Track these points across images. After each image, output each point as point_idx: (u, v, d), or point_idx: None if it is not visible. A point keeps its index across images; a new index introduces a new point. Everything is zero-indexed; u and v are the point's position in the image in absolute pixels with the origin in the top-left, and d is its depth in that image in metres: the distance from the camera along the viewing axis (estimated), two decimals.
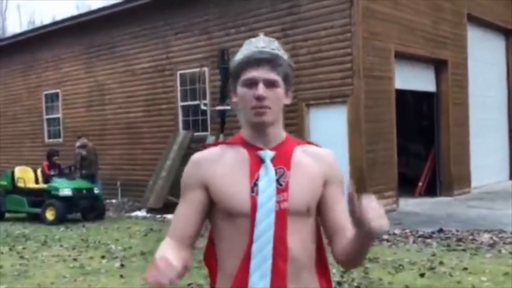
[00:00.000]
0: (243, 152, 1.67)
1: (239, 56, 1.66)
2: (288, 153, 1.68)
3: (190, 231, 1.68)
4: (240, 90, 1.65)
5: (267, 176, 1.62)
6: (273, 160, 1.65)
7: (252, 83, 1.62)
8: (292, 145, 1.71)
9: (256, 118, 1.62)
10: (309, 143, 1.79)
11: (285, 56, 1.67)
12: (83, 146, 12.10)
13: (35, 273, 6.66)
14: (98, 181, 12.01)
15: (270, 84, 1.62)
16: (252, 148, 1.67)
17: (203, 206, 1.67)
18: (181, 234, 1.67)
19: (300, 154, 1.70)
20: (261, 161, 1.65)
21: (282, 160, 1.66)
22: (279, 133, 1.70)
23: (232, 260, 1.62)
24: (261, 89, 1.60)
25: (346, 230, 1.66)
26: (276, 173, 1.63)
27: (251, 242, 1.58)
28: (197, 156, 1.72)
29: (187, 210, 1.68)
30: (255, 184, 1.61)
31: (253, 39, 1.68)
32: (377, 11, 10.31)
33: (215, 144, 1.77)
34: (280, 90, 1.64)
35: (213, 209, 1.67)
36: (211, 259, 1.74)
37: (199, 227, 1.69)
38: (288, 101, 1.69)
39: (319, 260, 1.72)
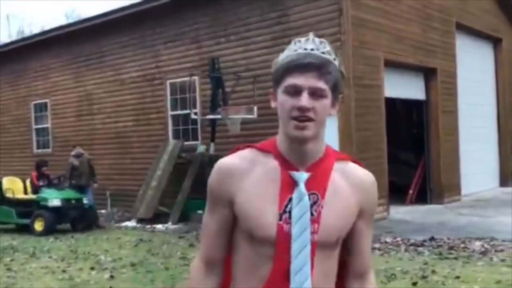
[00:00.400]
0: (274, 168, 1.49)
1: (283, 57, 1.48)
2: (325, 175, 1.50)
3: (220, 253, 1.58)
4: (281, 97, 1.46)
5: (301, 203, 1.46)
6: (307, 182, 1.48)
7: (295, 92, 1.43)
8: (331, 163, 1.53)
9: (296, 131, 1.44)
10: (351, 160, 1.61)
11: (336, 61, 1.48)
12: (76, 156, 11.81)
13: (23, 285, 6.55)
14: (89, 192, 11.83)
15: (316, 93, 1.43)
16: (286, 164, 1.49)
17: (230, 222, 1.55)
18: (212, 258, 1.58)
19: (337, 176, 1.52)
20: (294, 183, 1.47)
21: (317, 184, 1.48)
22: (319, 148, 1.51)
23: (251, 281, 1.50)
24: (305, 100, 1.41)
25: (365, 276, 1.61)
26: (309, 199, 1.47)
27: (275, 270, 1.46)
28: (225, 163, 1.54)
29: (216, 228, 1.56)
30: (285, 211, 1.46)
31: (301, 39, 1.49)
32: (366, 20, 10.34)
33: (243, 147, 1.59)
34: (327, 101, 1.45)
35: (236, 224, 1.54)
36: (225, 271, 1.62)
37: (228, 245, 1.59)
38: (334, 111, 1.50)
39: (339, 285, 1.62)
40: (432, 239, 8.25)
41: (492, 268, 6.46)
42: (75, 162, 11.71)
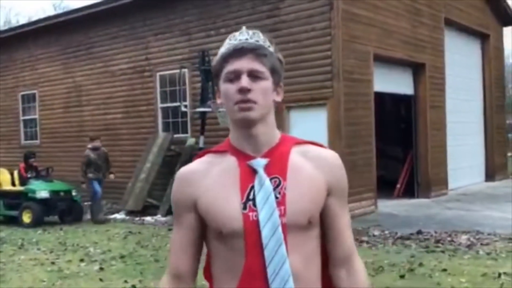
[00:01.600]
0: (232, 162, 1.50)
1: (220, 52, 1.51)
2: (283, 158, 1.50)
3: (188, 266, 1.56)
4: (223, 86, 1.49)
5: (263, 189, 1.45)
6: (266, 168, 1.47)
7: (235, 77, 1.46)
8: (288, 147, 1.53)
9: (240, 113, 1.45)
10: (312, 143, 1.59)
11: (271, 48, 1.51)
12: (93, 149, 11.31)
13: (12, 277, 6.55)
14: (100, 186, 11.39)
15: (255, 75, 1.46)
16: (241, 156, 1.50)
17: (199, 230, 1.54)
18: (180, 270, 1.56)
19: (298, 157, 1.52)
20: (253, 171, 1.48)
21: (277, 168, 1.48)
22: (271, 134, 1.51)
23: (228, 281, 1.48)
24: (244, 81, 1.44)
25: (350, 262, 1.56)
26: (271, 183, 1.46)
27: (248, 261, 1.44)
28: (183, 172, 1.56)
29: (183, 239, 1.55)
30: (248, 199, 1.45)
31: (235, 33, 1.53)
32: (356, 15, 10.38)
33: (202, 154, 1.60)
34: (267, 83, 1.48)
35: (206, 227, 1.53)
36: (209, 274, 1.59)
37: (198, 256, 1.57)
38: (278, 98, 1.53)
39: (326, 273, 1.57)
40: (419, 232, 8.34)
41: (478, 261, 6.56)
42: (92, 155, 11.22)
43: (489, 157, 15.49)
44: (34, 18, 16.36)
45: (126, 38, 13.24)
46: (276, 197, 1.45)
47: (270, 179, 1.47)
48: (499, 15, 15.98)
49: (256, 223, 1.44)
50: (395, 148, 14.34)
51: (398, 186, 12.90)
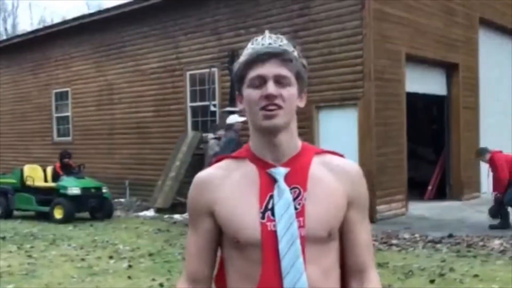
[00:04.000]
0: (251, 169, 1.47)
1: (243, 56, 1.47)
2: (304, 168, 1.46)
3: (204, 271, 1.54)
4: (247, 92, 1.44)
5: (282, 199, 1.41)
6: (286, 177, 1.44)
7: (260, 83, 1.42)
8: (309, 157, 1.49)
9: (266, 121, 1.41)
10: (332, 153, 1.55)
11: (295, 53, 1.47)
12: (217, 138, 9.96)
13: (43, 272, 6.65)
14: None
15: (282, 81, 1.42)
16: (261, 164, 1.46)
17: (214, 236, 1.52)
18: (196, 275, 1.55)
19: (319, 168, 1.48)
20: (273, 180, 1.44)
21: (298, 178, 1.45)
22: (293, 142, 1.48)
23: None
24: (271, 87, 1.40)
25: (363, 274, 1.52)
26: (290, 193, 1.43)
27: (265, 272, 1.40)
28: (200, 176, 1.54)
29: (198, 244, 1.53)
30: (266, 209, 1.42)
31: (258, 37, 1.49)
32: (388, 14, 10.24)
33: (220, 159, 1.57)
34: (293, 89, 1.44)
35: (222, 235, 1.50)
36: (221, 281, 1.55)
37: (213, 261, 1.55)
38: (302, 104, 1.49)
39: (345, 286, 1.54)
40: (450, 236, 8.20)
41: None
42: (217, 148, 9.93)
43: None
44: (68, 17, 16.57)
45: (157, 37, 13.34)
46: (296, 208, 1.42)
47: (290, 189, 1.43)
48: None
49: (274, 233, 1.40)
50: (426, 149, 14.11)
51: (430, 188, 12.68)
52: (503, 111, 14.45)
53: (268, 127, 1.42)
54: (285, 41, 1.48)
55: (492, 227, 8.78)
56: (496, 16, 13.60)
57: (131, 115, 14.05)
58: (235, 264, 1.47)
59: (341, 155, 1.55)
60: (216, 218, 1.47)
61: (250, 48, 1.47)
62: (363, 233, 1.52)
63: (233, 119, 9.20)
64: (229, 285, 1.50)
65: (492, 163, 9.07)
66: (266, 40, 1.46)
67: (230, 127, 9.17)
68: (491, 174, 9.25)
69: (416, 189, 12.06)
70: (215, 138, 9.95)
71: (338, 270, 1.51)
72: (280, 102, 1.41)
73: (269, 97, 1.40)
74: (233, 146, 8.15)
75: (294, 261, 1.39)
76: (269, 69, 1.42)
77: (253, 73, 1.43)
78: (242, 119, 8.95)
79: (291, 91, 1.44)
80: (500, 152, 9.34)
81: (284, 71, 1.42)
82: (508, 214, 8.91)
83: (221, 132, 9.78)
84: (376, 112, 9.91)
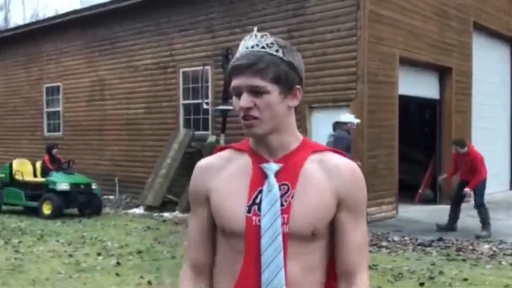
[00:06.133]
0: (247, 162, 1.51)
1: (232, 60, 1.52)
2: (297, 165, 1.48)
3: (204, 257, 1.59)
4: (233, 99, 1.51)
5: (270, 194, 1.44)
6: (278, 174, 1.46)
7: (238, 93, 1.46)
8: (305, 154, 1.50)
9: (246, 130, 1.48)
10: (333, 151, 1.55)
11: (278, 53, 1.45)
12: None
13: (30, 268, 6.58)
14: None
15: (256, 91, 1.43)
16: (257, 158, 1.50)
17: (211, 222, 1.55)
18: (197, 262, 1.60)
19: (312, 166, 1.48)
20: (265, 175, 1.47)
21: (289, 174, 1.46)
22: (287, 139, 1.49)
23: (225, 281, 1.50)
24: (243, 100, 1.44)
25: (352, 277, 1.49)
26: (279, 189, 1.45)
27: (245, 265, 1.44)
28: (201, 163, 1.59)
29: (199, 230, 1.58)
30: (254, 203, 1.45)
31: (246, 37, 1.50)
32: (383, 16, 10.24)
33: (224, 148, 1.62)
34: (270, 96, 1.43)
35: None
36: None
37: (213, 247, 1.58)
38: (294, 102, 1.49)
39: (331, 286, 1.53)
40: (440, 239, 8.20)
41: (501, 272, 6.40)
42: None
43: None
44: (61, 12, 16.44)
45: (150, 34, 13.27)
46: (282, 205, 1.44)
47: (279, 186, 1.45)
48: None
49: (258, 228, 1.43)
50: (418, 152, 14.13)
51: (420, 191, 12.70)
52: (496, 116, 14.51)
53: (249, 135, 1.50)
54: (269, 40, 1.46)
55: (440, 228, 8.91)
56: (490, 21, 13.65)
57: (122, 111, 13.96)
58: (222, 251, 1.52)
59: (343, 154, 1.54)
60: (211, 207, 1.52)
61: (238, 51, 1.50)
62: (354, 235, 1.49)
63: (347, 118, 8.91)
64: (215, 272, 1.57)
65: (473, 157, 8.90)
66: (250, 42, 1.47)
67: (341, 125, 8.87)
68: (463, 167, 9.01)
69: (407, 192, 12.06)
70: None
71: (323, 269, 1.50)
72: (255, 113, 1.44)
73: (243, 109, 1.45)
74: (343, 144, 7.97)
75: (274, 256, 1.41)
76: (243, 80, 1.44)
77: (233, 83, 1.47)
78: (357, 121, 8.88)
79: (266, 99, 1.44)
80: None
81: (256, 81, 1.43)
82: (458, 217, 9.02)
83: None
84: (369, 114, 9.90)
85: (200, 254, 1.58)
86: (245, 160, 1.52)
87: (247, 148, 1.55)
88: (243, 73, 1.44)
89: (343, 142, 8.29)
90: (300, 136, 1.54)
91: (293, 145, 1.50)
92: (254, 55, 1.44)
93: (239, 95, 1.46)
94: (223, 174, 1.52)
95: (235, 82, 1.46)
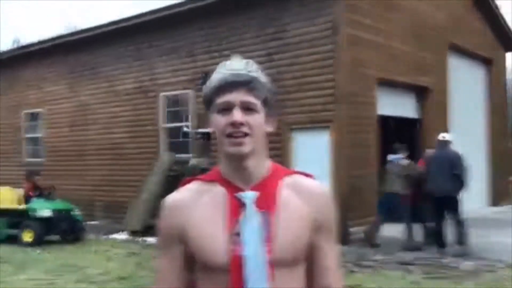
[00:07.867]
0: (220, 193, 1.47)
1: (212, 80, 1.48)
2: (272, 192, 1.46)
3: None
4: (215, 118, 1.45)
5: (250, 224, 1.41)
6: (255, 201, 1.44)
7: (227, 109, 1.43)
8: (278, 179, 1.49)
9: (232, 148, 1.42)
10: (301, 173, 1.55)
11: (264, 79, 1.48)
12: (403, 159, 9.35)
13: None
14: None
15: (248, 108, 1.43)
16: (231, 187, 1.46)
17: (184, 260, 1.50)
18: None
19: (287, 191, 1.48)
20: (242, 204, 1.44)
21: (266, 202, 1.44)
22: (261, 165, 1.48)
23: None
24: (237, 114, 1.41)
25: None
26: (258, 218, 1.43)
27: None
28: (170, 201, 1.52)
29: (170, 269, 1.51)
30: (234, 234, 1.41)
31: (227, 62, 1.50)
32: (361, 38, 10.42)
33: (188, 181, 1.56)
34: (260, 116, 1.45)
35: (193, 258, 1.49)
36: None
37: (185, 286, 1.52)
38: (270, 128, 1.49)
39: None
40: (422, 257, 8.24)
41: None
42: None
43: (493, 182, 15.38)
44: (43, 38, 16.41)
45: (131, 59, 13.32)
46: (263, 233, 1.41)
47: (258, 214, 1.43)
48: (502, 40, 16.02)
49: (242, 258, 1.40)
50: None
51: None
52: (474, 134, 14.73)
53: (234, 154, 1.43)
54: (254, 67, 1.48)
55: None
56: (466, 41, 13.94)
57: (104, 136, 13.93)
58: (204, 287, 1.46)
59: (310, 175, 1.55)
60: (188, 243, 1.47)
61: (219, 73, 1.47)
62: (330, 258, 1.52)
63: (447, 136, 9.26)
64: None
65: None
66: (235, 66, 1.47)
67: (444, 144, 9.04)
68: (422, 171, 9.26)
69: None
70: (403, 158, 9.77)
71: None
72: (246, 129, 1.42)
73: (234, 124, 1.41)
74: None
75: (259, 285, 1.38)
76: (236, 96, 1.43)
77: (220, 100, 1.44)
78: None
79: (257, 119, 1.44)
80: None
81: (251, 98, 1.44)
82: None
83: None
84: (348, 134, 10.01)
85: None
86: (217, 190, 1.48)
87: (217, 177, 1.50)
88: (237, 89, 1.43)
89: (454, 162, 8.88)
90: (269, 161, 1.53)
91: (266, 171, 1.49)
92: (246, 75, 1.45)
93: (226, 111, 1.43)
94: (197, 209, 1.47)
95: (226, 97, 1.43)
